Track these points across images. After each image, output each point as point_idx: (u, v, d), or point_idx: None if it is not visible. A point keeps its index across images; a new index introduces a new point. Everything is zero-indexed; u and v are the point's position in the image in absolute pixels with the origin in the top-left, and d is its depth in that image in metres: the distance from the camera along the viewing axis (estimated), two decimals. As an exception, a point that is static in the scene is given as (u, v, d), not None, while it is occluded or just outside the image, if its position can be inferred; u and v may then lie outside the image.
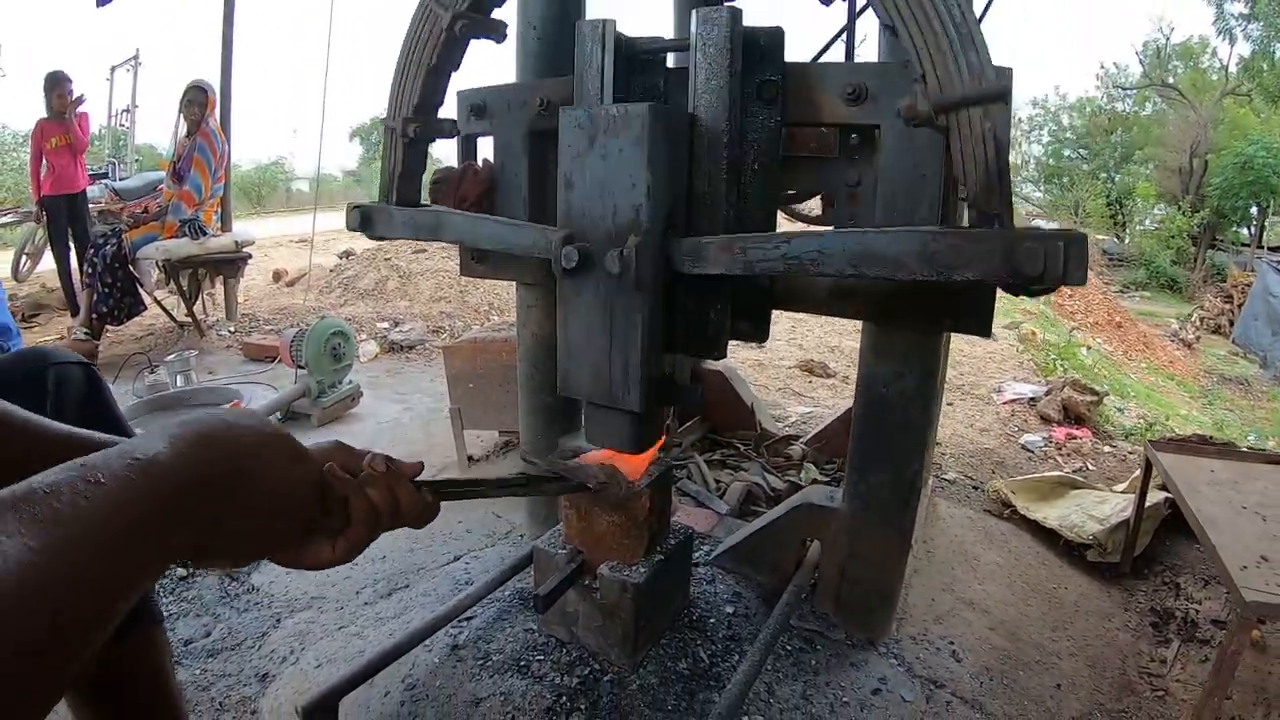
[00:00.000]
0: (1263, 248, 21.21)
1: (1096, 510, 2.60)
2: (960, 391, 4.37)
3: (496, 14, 1.51)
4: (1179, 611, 2.31)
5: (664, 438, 1.50)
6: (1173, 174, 22.22)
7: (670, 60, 1.45)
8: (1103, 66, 26.37)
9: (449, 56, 1.50)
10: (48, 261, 6.80)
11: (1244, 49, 18.59)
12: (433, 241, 1.70)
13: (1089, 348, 9.79)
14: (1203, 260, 20.23)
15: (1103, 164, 25.29)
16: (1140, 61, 24.48)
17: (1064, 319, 11.70)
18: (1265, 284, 13.80)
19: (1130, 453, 3.94)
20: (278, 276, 6.73)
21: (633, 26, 1.43)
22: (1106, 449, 3.82)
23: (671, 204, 1.23)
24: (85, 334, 4.36)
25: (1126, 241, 22.86)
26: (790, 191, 1.74)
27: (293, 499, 0.63)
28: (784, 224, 1.74)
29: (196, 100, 4.76)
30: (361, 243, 9.87)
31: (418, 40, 1.50)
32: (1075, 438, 3.85)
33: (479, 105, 1.74)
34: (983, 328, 1.34)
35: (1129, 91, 25.24)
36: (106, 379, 3.43)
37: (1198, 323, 15.13)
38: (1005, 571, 2.36)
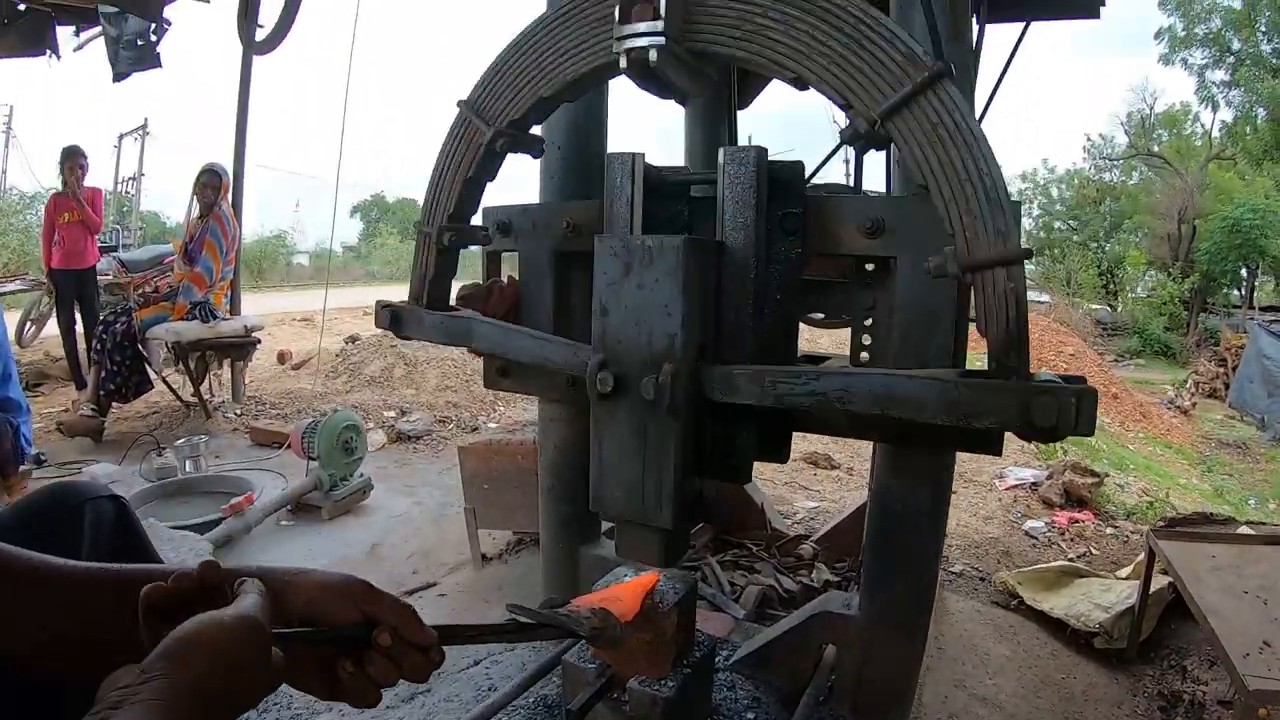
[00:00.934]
0: (1254, 308, 21.57)
1: (1102, 598, 2.66)
2: (963, 480, 4.44)
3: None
4: (1186, 694, 2.36)
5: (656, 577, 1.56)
6: (1162, 241, 22.73)
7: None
8: (1089, 138, 27.15)
9: (486, 169, 1.59)
10: (52, 327, 6.93)
11: (1227, 115, 19.28)
12: (460, 346, 1.79)
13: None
14: (1195, 325, 20.56)
15: (1093, 234, 25.87)
16: (1125, 131, 25.36)
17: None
18: (1259, 346, 14.03)
19: (1133, 532, 3.99)
20: (282, 358, 6.82)
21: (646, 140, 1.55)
22: (1109, 530, 3.88)
23: (703, 332, 1.33)
24: (92, 410, 4.42)
25: (1119, 310, 23.25)
26: (818, 315, 1.83)
27: (277, 679, 0.68)
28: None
29: (210, 183, 4.93)
30: (367, 326, 10.01)
31: (455, 151, 1.60)
32: (1078, 521, 3.92)
33: (504, 223, 1.84)
34: (995, 448, 1.43)
35: (1116, 162, 26.02)
36: (112, 458, 3.50)
37: (1193, 389, 15.29)
38: (1015, 664, 2.41)
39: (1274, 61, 13.99)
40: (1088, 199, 26.15)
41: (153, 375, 4.67)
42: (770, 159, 1.38)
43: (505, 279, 1.88)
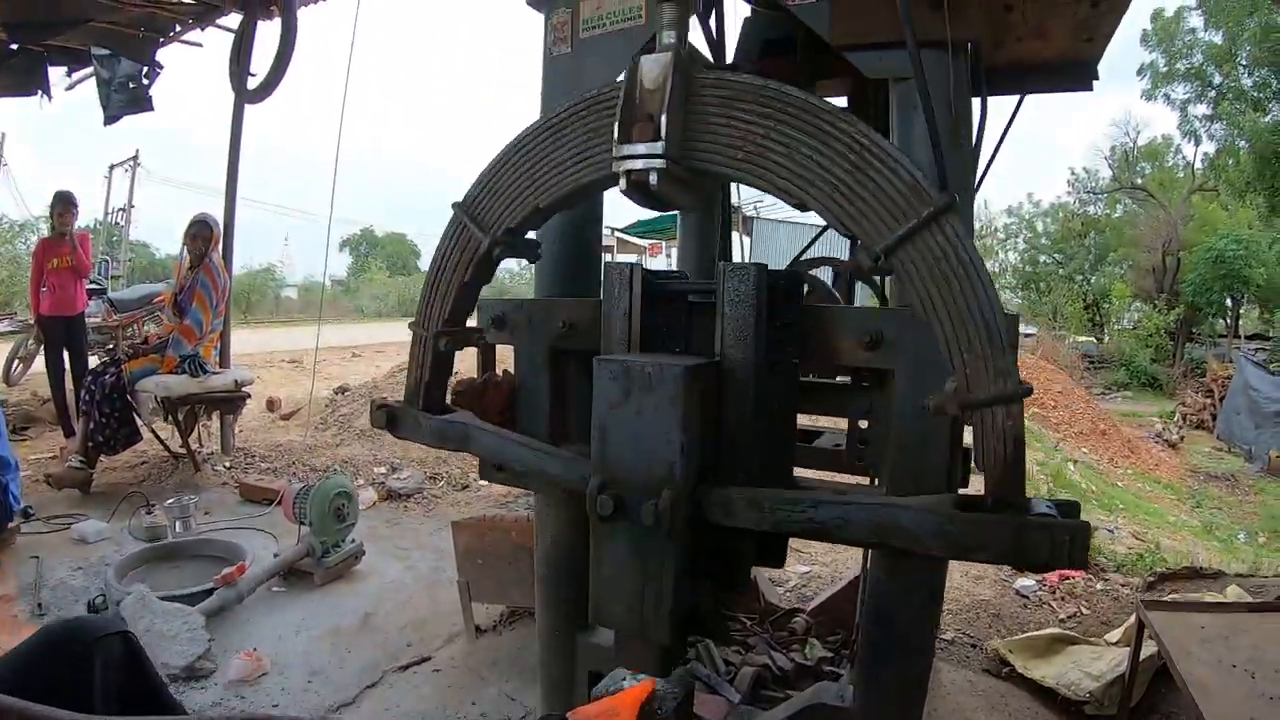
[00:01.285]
0: (1239, 337, 21.84)
1: (1092, 666, 2.69)
2: None
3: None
4: (1176, 761, 2.38)
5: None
6: (1146, 273, 23.04)
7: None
8: (1073, 172, 27.59)
9: (482, 274, 1.63)
10: (38, 365, 6.91)
11: (1209, 147, 19.66)
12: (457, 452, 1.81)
13: (1075, 462, 9.97)
14: (1181, 356, 20.78)
15: (1078, 267, 26.21)
16: (1109, 165, 25.73)
17: (1049, 430, 11.92)
18: (1244, 378, 14.20)
19: (1123, 585, 4.03)
20: (271, 405, 6.81)
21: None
22: (1100, 586, 3.91)
23: (703, 456, 1.35)
24: (80, 462, 4.41)
25: (1106, 342, 23.48)
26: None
27: None
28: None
29: (201, 234, 4.94)
30: (355, 369, 10.00)
31: (451, 255, 1.62)
32: (1068, 578, 3.95)
33: (499, 318, 1.86)
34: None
35: (1100, 195, 26.40)
36: (101, 513, 3.49)
37: (1180, 421, 15.41)
38: None
39: (1255, 95, 14.28)
40: (1072, 232, 26.51)
41: (142, 427, 4.66)
42: (770, 271, 1.42)
43: (500, 373, 1.91)
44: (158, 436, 4.85)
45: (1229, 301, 21.00)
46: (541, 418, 1.81)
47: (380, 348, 14.06)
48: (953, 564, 4.04)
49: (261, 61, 5.62)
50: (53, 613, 2.91)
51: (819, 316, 1.45)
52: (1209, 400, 16.75)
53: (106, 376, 4.51)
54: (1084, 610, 3.55)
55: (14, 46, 6.19)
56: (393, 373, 7.19)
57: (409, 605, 3.18)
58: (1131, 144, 25.21)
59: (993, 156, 2.14)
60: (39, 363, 6.89)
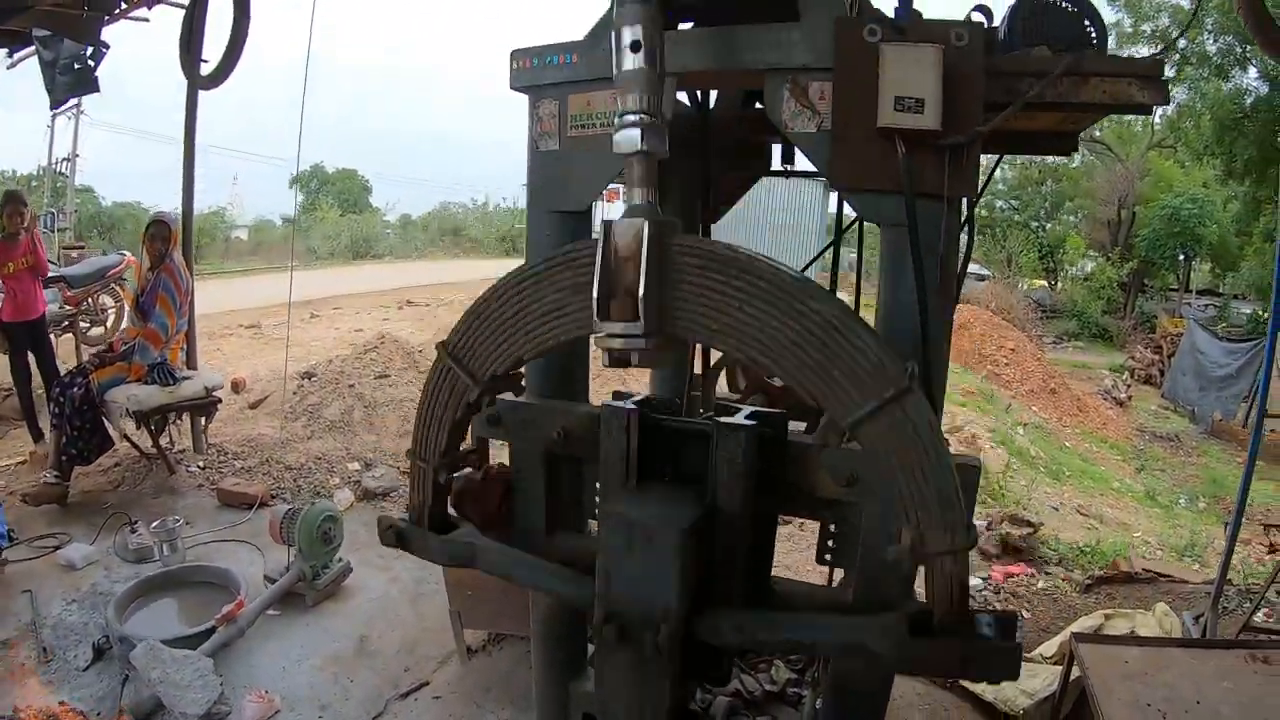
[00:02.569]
0: (1190, 292, 22.73)
1: (1027, 685, 3.05)
2: None
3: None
4: (1098, 772, 2.75)
5: None
6: (1101, 225, 23.75)
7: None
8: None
9: (471, 412, 1.84)
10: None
11: (1169, 109, 20.13)
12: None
13: (1025, 425, 10.47)
14: (1132, 309, 21.60)
15: (1034, 214, 26.83)
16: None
17: (1002, 389, 12.43)
18: (1193, 340, 14.85)
19: (1065, 580, 4.44)
20: (237, 387, 6.88)
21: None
22: (1041, 585, 4.31)
23: (695, 592, 1.59)
24: (55, 477, 4.51)
25: (1059, 288, 24.23)
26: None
27: None
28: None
29: (159, 235, 4.94)
30: (316, 339, 10.00)
31: (440, 396, 1.80)
32: (1013, 575, 4.34)
33: (495, 417, 2.06)
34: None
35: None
36: (83, 532, 3.62)
37: (1128, 380, 16.12)
38: None
39: (1218, 61, 14.65)
40: (1029, 179, 27.05)
41: (113, 433, 4.75)
42: (758, 420, 1.63)
43: (496, 466, 2.10)
44: (130, 440, 4.94)
45: (1182, 258, 21.78)
46: (538, 512, 2.02)
47: (337, 303, 14.00)
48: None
49: (215, 38, 5.61)
50: (58, 658, 3.06)
51: (801, 454, 1.67)
52: (1157, 356, 17.54)
53: (74, 389, 4.55)
54: (1024, 614, 3.92)
55: (-49, 28, 6.06)
56: (357, 350, 7.28)
57: (400, 624, 3.43)
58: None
59: (972, 206, 2.24)
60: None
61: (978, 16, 1.96)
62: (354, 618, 3.44)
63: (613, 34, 1.52)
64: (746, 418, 1.62)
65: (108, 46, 6.33)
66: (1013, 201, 27.93)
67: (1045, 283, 25.45)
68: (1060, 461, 9.61)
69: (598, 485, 1.82)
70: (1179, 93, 17.76)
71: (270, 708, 2.72)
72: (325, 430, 5.77)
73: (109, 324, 9.04)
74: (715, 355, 2.41)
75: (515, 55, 2.04)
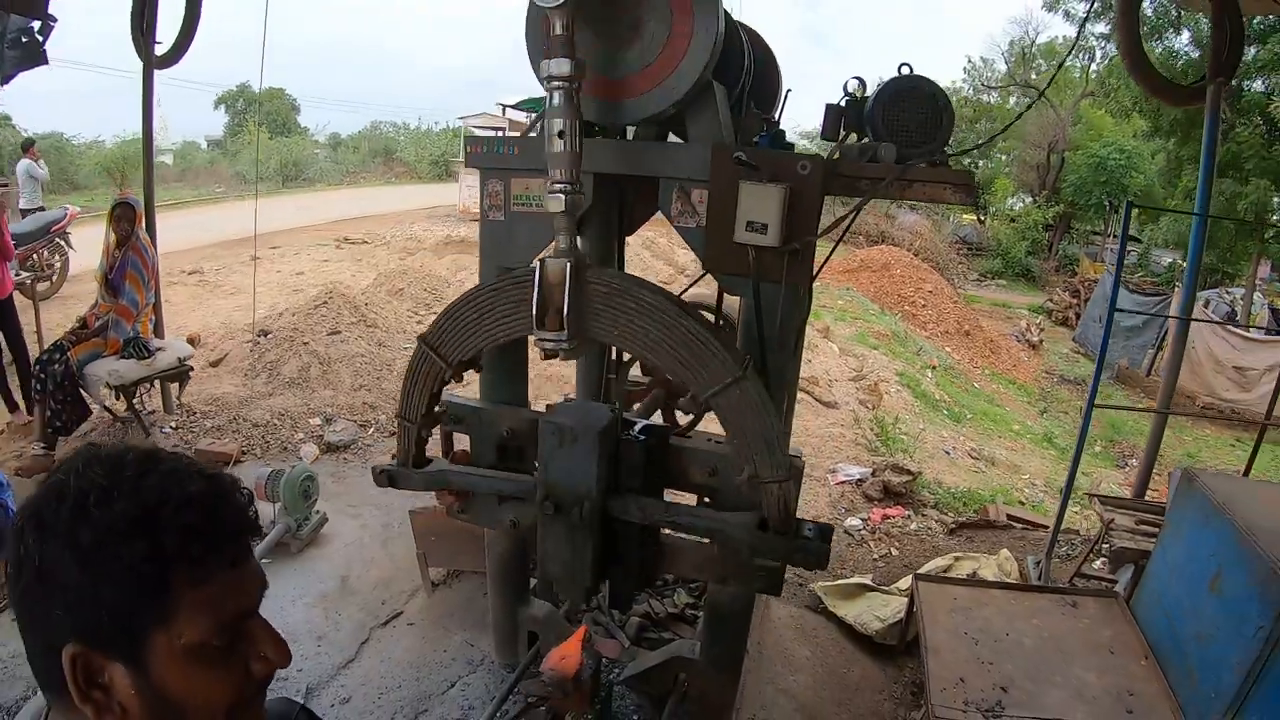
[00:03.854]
0: (1113, 238, 24.13)
1: (881, 611, 3.94)
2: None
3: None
4: (926, 683, 3.67)
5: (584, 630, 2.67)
6: (1031, 169, 24.92)
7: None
8: (969, 60, 28.92)
9: (443, 386, 2.59)
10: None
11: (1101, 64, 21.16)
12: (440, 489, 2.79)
13: (935, 368, 11.47)
14: (1056, 251, 22.94)
15: (967, 151, 27.86)
16: (1005, 60, 27.15)
17: (917, 330, 13.43)
18: (1104, 290, 16.03)
19: (937, 521, 5.36)
20: (193, 341, 7.37)
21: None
22: (913, 527, 5.21)
23: (609, 479, 2.37)
24: (43, 449, 5.08)
25: (987, 225, 25.49)
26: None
27: None
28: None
29: (125, 216, 5.43)
30: (262, 285, 10.39)
31: (421, 374, 2.56)
32: (889, 517, 5.26)
33: (459, 417, 2.81)
34: (776, 591, 2.57)
35: (994, 89, 27.93)
36: None
37: (1041, 322, 17.34)
38: (813, 663, 3.68)
39: (1154, 21, 15.45)
40: (964, 118, 28.06)
41: (91, 403, 5.31)
42: (648, 426, 2.43)
43: (460, 452, 2.87)
44: (106, 409, 5.49)
45: (1107, 205, 23.09)
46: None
47: (274, 240, 14.21)
48: (800, 500, 5.30)
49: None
50: None
51: (679, 450, 2.48)
52: (1075, 299, 18.82)
53: (55, 366, 5.08)
54: (894, 551, 4.84)
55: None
56: (308, 305, 7.83)
57: (373, 564, 4.18)
58: (1030, 42, 26.62)
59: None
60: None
61: (854, 83, 2.74)
62: (334, 561, 4.19)
63: (543, 124, 2.23)
64: (639, 432, 2.41)
65: (55, 19, 6.46)
66: (947, 138, 28.92)
67: (975, 218, 26.73)
68: (964, 404, 10.59)
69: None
70: (1111, 48, 18.74)
71: (277, 638, 3.46)
72: (285, 387, 6.41)
73: (54, 279, 9.40)
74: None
75: (470, 141, 2.76)
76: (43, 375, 5.10)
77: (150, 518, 0.79)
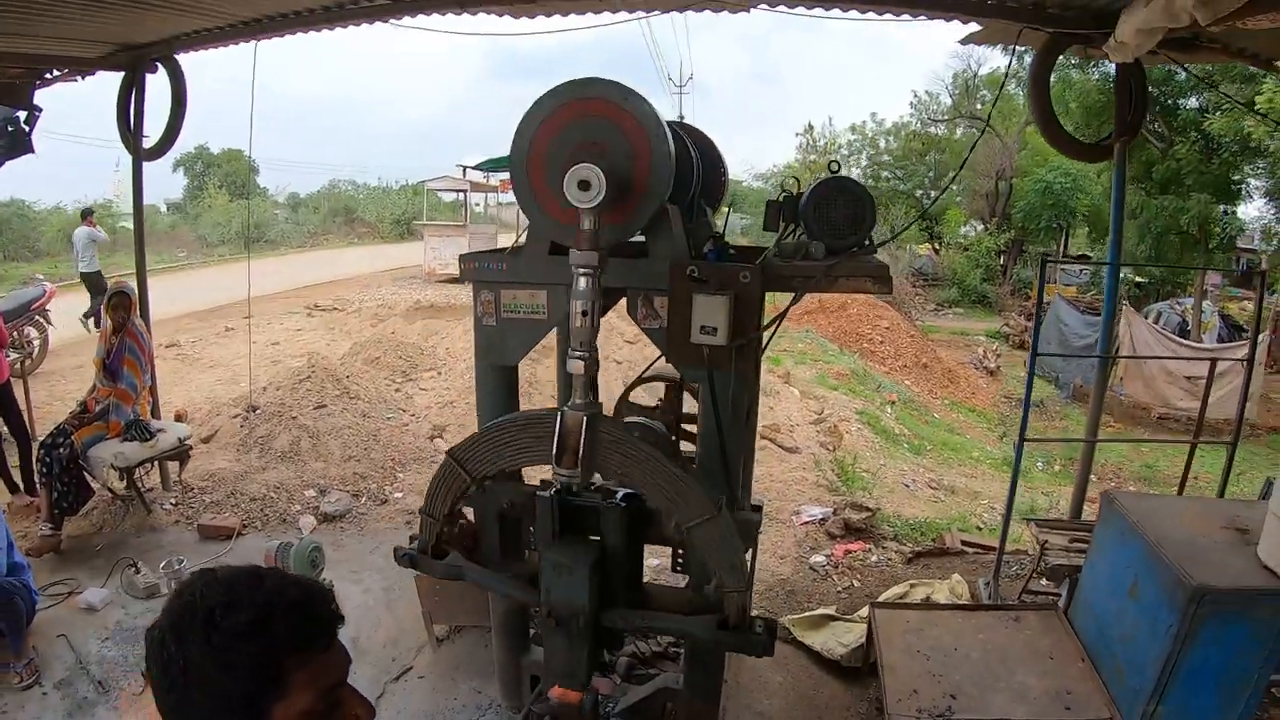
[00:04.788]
0: (1067, 257, 25.16)
1: (844, 638, 4.40)
2: (768, 519, 6.18)
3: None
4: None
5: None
6: (981, 197, 26.02)
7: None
8: (915, 94, 30.21)
9: (465, 494, 3.06)
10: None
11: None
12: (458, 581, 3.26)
13: (894, 404, 12.05)
14: (1010, 276, 23.92)
15: (918, 183, 29.14)
16: (950, 93, 28.41)
17: (876, 366, 14.06)
18: (1057, 313, 16.79)
19: (897, 552, 5.83)
20: (180, 418, 7.74)
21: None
22: (874, 559, 5.65)
23: (600, 596, 2.85)
24: (50, 529, 5.41)
25: (942, 255, 26.49)
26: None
27: None
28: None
29: (121, 304, 5.84)
30: (238, 356, 10.71)
31: (446, 482, 3.02)
32: (851, 552, 5.74)
33: (466, 494, 3.28)
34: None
35: (941, 121, 29.20)
36: (94, 579, 4.56)
37: (997, 348, 18.09)
38: (785, 688, 4.14)
39: (1076, 55, 16.40)
40: (913, 151, 29.33)
41: (93, 483, 5.66)
42: (629, 503, 2.92)
43: (468, 522, 3.33)
44: (109, 488, 5.83)
45: (1055, 227, 24.17)
46: (495, 550, 3.26)
47: (244, 310, 14.48)
48: (766, 542, 5.84)
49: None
50: (112, 688, 3.99)
51: (654, 518, 2.97)
52: (1030, 322, 19.61)
53: (59, 450, 5.44)
54: (855, 583, 5.30)
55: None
56: (292, 380, 8.23)
57: (381, 625, 4.59)
58: (973, 74, 27.94)
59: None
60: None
61: (791, 181, 3.29)
62: (345, 626, 4.58)
63: (572, 302, 2.67)
64: (621, 499, 2.90)
65: (40, 110, 6.85)
66: (897, 172, 30.22)
67: (930, 249, 27.78)
68: (924, 436, 11.13)
69: (533, 531, 3.04)
70: (1051, 78, 19.83)
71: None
72: (278, 461, 6.80)
73: (34, 355, 9.72)
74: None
75: (463, 259, 3.26)
76: (48, 459, 5.44)
77: (265, 620, 1.07)
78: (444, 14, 4.86)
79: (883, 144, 31.89)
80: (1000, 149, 25.12)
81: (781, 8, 4.63)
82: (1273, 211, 16.87)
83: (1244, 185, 15.79)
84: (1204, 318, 15.82)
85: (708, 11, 4.97)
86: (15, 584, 4.10)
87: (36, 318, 9.64)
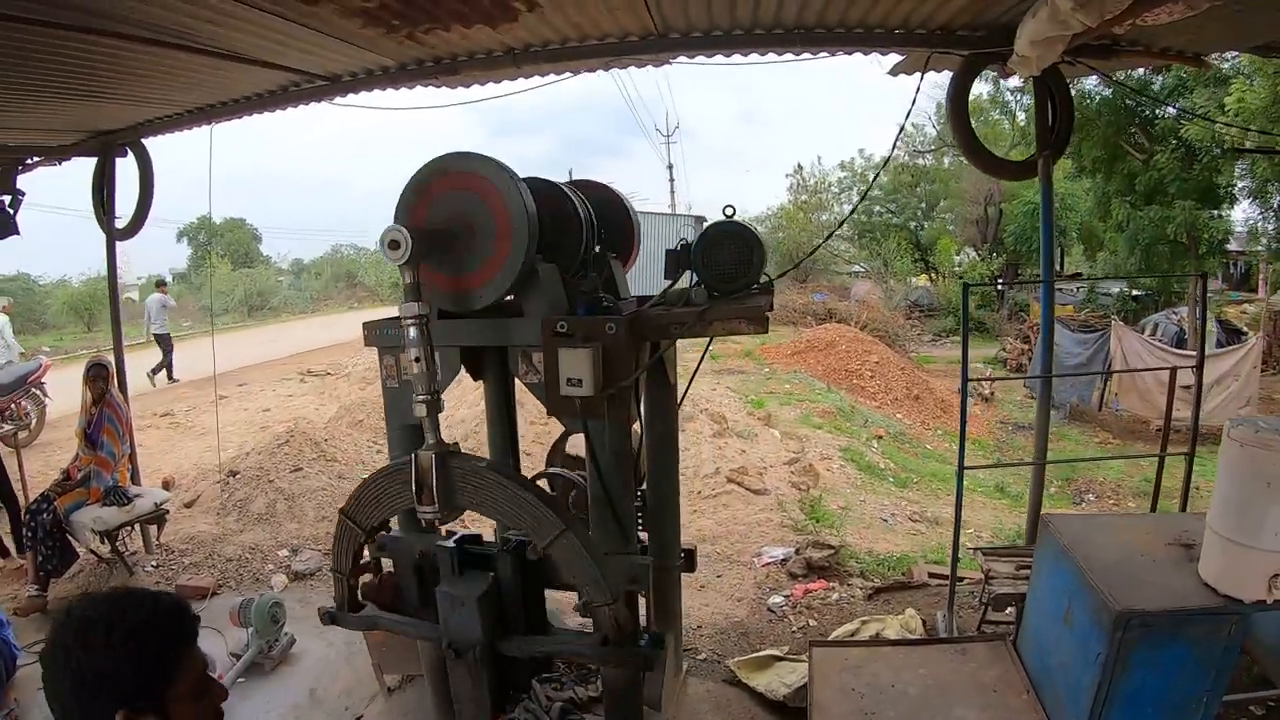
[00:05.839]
0: (1061, 275, 25.19)
1: (788, 678, 4.37)
2: (728, 561, 6.31)
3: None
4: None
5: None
6: (972, 224, 26.21)
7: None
8: (901, 128, 30.59)
9: (362, 546, 3.23)
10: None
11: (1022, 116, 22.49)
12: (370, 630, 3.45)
13: (880, 438, 12.09)
14: (1005, 300, 23.99)
15: (911, 215, 29.39)
16: (934, 125, 28.71)
17: (865, 401, 14.13)
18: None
19: (862, 588, 5.79)
20: (167, 485, 8.02)
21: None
22: (835, 597, 5.61)
23: (496, 627, 3.01)
24: (37, 590, 5.64)
25: (939, 284, 26.63)
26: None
27: None
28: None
29: (99, 375, 6.16)
30: (229, 424, 11.04)
31: (344, 539, 3.20)
32: (811, 591, 5.70)
33: (383, 545, 3.44)
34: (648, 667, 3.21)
35: (928, 152, 29.54)
36: None
37: (1002, 366, 18.02)
38: None
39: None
40: (904, 184, 29.60)
41: (77, 547, 5.91)
42: (522, 542, 3.09)
43: (386, 574, 3.51)
44: (93, 551, 6.09)
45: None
46: (414, 599, 3.43)
47: (241, 378, 14.96)
48: (724, 586, 5.91)
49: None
50: None
51: (550, 565, 3.14)
52: (1026, 346, 19.63)
53: (43, 515, 5.73)
54: (812, 623, 5.25)
55: None
56: (271, 444, 8.50)
57: (339, 676, 4.73)
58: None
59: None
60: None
61: (691, 236, 3.48)
62: (304, 676, 4.74)
63: (406, 350, 2.88)
64: (515, 546, 3.08)
65: (24, 193, 7.23)
66: (890, 206, 30.49)
67: (927, 280, 27.93)
68: (911, 468, 11.08)
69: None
70: (1027, 99, 20.01)
71: (249, 749, 4.05)
72: (254, 523, 7.02)
73: (31, 427, 10.04)
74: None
75: (366, 325, 3.49)
76: (33, 524, 5.73)
77: (152, 620, 1.44)
78: (379, 90, 5.15)
79: (872, 178, 32.12)
80: (984, 175, 25.20)
81: (700, 59, 4.76)
82: (1259, 212, 16.80)
83: (1231, 188, 15.70)
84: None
85: (632, 68, 5.16)
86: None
87: (33, 390, 9.96)
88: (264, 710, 4.41)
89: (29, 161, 7.10)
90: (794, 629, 5.27)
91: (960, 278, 25.71)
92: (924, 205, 29.99)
